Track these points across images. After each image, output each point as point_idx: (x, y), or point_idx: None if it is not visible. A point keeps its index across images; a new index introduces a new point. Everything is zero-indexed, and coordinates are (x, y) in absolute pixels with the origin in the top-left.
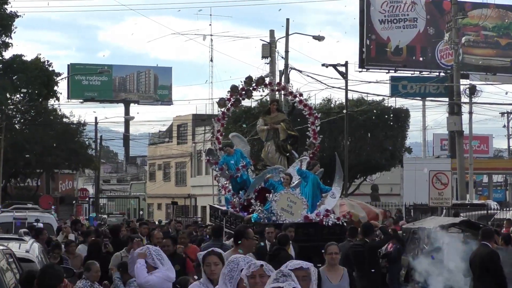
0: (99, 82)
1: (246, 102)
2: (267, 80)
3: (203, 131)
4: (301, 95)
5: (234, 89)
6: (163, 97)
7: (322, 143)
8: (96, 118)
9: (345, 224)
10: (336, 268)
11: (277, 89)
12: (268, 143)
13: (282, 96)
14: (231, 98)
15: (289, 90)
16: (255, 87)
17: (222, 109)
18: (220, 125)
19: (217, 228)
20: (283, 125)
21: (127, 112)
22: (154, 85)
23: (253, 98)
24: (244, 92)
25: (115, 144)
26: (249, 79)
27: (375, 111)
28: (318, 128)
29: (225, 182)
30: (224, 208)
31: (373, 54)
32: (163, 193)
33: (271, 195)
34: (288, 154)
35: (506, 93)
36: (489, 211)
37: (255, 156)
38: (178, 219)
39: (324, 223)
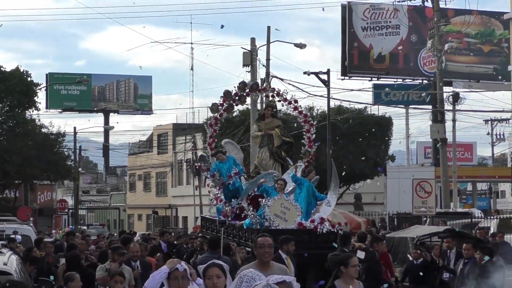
0: (78, 91)
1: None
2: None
3: (183, 141)
4: (296, 101)
5: (227, 94)
6: (143, 106)
7: (315, 153)
8: (75, 128)
9: (340, 231)
10: (355, 283)
11: (271, 95)
12: (262, 149)
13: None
14: (224, 103)
15: (284, 97)
16: (248, 92)
17: (215, 115)
18: (213, 131)
19: (214, 239)
20: (277, 131)
21: (106, 121)
22: (133, 94)
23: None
24: (237, 98)
25: (94, 155)
26: (242, 84)
27: (357, 119)
28: (314, 136)
29: (217, 192)
30: (216, 218)
31: (355, 61)
32: (144, 203)
33: (264, 200)
34: (282, 161)
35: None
36: (473, 220)
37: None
38: (165, 229)
39: (318, 230)
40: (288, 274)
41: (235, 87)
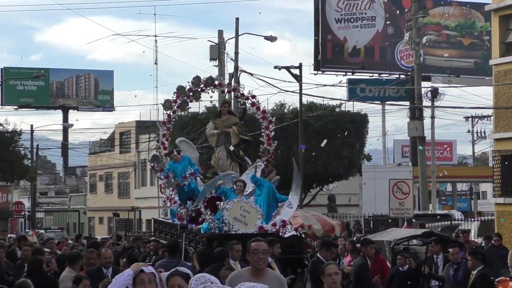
0: (35, 87)
1: (194, 107)
2: (216, 80)
3: (147, 139)
4: (253, 97)
5: (180, 90)
6: (104, 102)
7: (275, 151)
8: (32, 126)
9: (303, 235)
10: None
11: (227, 91)
12: (218, 148)
13: (233, 98)
14: (178, 100)
15: (241, 92)
16: (203, 88)
17: (168, 112)
18: (166, 129)
19: (174, 244)
20: (235, 128)
21: (65, 119)
22: (94, 90)
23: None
24: (191, 94)
25: (52, 154)
26: (197, 79)
27: (331, 116)
28: (273, 133)
29: (171, 193)
30: (169, 221)
31: (329, 55)
32: (105, 206)
33: (222, 203)
34: (240, 160)
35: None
36: (453, 222)
37: (204, 164)
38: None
39: (280, 234)
40: (284, 284)
41: (189, 82)
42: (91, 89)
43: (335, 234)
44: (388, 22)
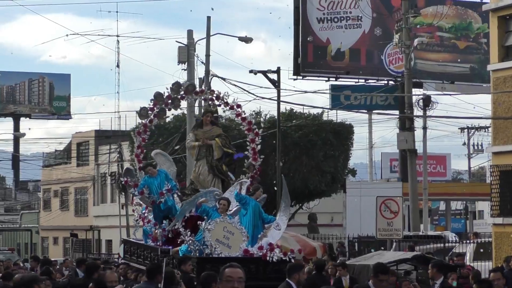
0: None
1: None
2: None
3: (108, 151)
4: (239, 106)
5: (158, 97)
6: (60, 109)
7: (260, 166)
8: None
9: (292, 260)
10: None
11: (210, 98)
12: (199, 162)
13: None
14: (155, 108)
15: (225, 100)
16: (184, 95)
17: (144, 121)
18: (141, 139)
19: (154, 267)
20: (218, 141)
21: (16, 128)
22: (49, 96)
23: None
24: (170, 101)
25: (2, 167)
26: (176, 86)
27: (312, 126)
28: (259, 146)
29: (144, 211)
30: (142, 242)
31: (310, 58)
32: (60, 224)
33: (204, 223)
34: (223, 176)
35: (474, 108)
36: (446, 244)
37: (179, 180)
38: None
39: (268, 258)
40: None
41: (167, 89)
42: (45, 94)
43: (316, 257)
44: (376, 23)
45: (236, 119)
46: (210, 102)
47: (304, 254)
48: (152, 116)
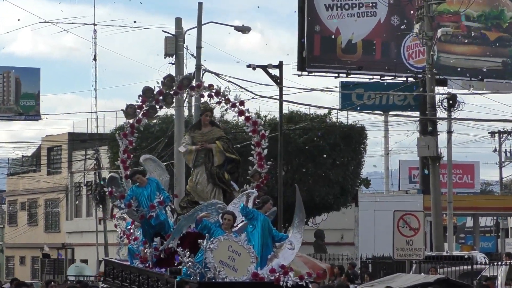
0: None
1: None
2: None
3: (83, 156)
4: (242, 103)
5: (147, 92)
6: (28, 109)
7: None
8: None
9: (310, 286)
10: None
11: (209, 94)
12: (197, 170)
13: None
14: (144, 105)
15: (226, 97)
16: (177, 90)
17: (131, 121)
18: (128, 143)
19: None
20: (219, 144)
21: None
22: (15, 93)
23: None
24: (161, 98)
25: None
26: (169, 79)
27: (319, 130)
28: (265, 151)
29: (129, 227)
30: (127, 263)
31: (317, 52)
32: (28, 242)
33: (205, 242)
34: (225, 186)
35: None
36: (474, 266)
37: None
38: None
39: (281, 283)
40: None
41: (158, 83)
42: (10, 91)
43: (323, 281)
44: (393, 10)
45: (237, 119)
46: (208, 99)
47: (312, 278)
48: (140, 115)
